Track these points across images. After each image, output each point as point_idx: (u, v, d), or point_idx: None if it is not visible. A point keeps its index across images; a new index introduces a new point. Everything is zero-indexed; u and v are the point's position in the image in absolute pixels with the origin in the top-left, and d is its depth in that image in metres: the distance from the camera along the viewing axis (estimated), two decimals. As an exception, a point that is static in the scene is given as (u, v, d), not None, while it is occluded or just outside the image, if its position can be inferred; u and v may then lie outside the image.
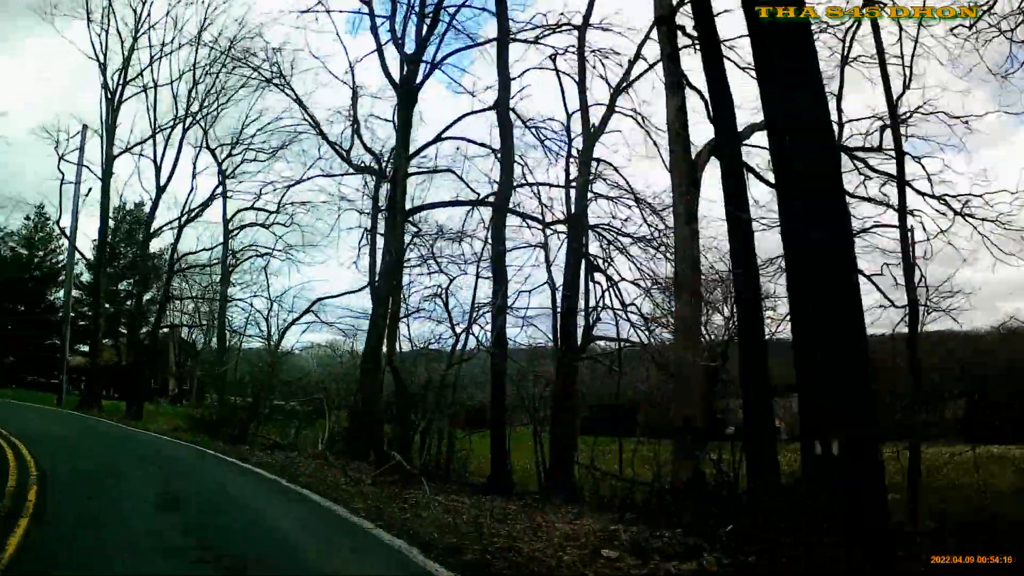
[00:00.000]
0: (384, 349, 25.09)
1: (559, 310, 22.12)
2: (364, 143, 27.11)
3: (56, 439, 20.81)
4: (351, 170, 28.14)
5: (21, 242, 70.64)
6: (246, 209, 40.66)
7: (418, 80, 26.01)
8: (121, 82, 41.39)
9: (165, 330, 62.74)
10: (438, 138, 27.41)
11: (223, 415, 29.04)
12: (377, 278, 26.65)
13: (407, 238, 26.55)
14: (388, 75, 25.97)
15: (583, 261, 22.63)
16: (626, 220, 23.38)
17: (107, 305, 66.23)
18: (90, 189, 41.49)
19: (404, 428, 21.12)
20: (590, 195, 23.04)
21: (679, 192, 18.01)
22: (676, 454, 16.81)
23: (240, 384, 31.77)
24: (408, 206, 26.66)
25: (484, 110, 26.46)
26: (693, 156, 18.42)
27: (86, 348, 61.21)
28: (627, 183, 23.73)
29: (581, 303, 22.34)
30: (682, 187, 17.85)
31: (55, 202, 41.14)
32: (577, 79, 24.21)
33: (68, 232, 40.52)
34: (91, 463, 17.15)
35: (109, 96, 41.02)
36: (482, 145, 26.61)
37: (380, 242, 27.33)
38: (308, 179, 30.63)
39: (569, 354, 21.29)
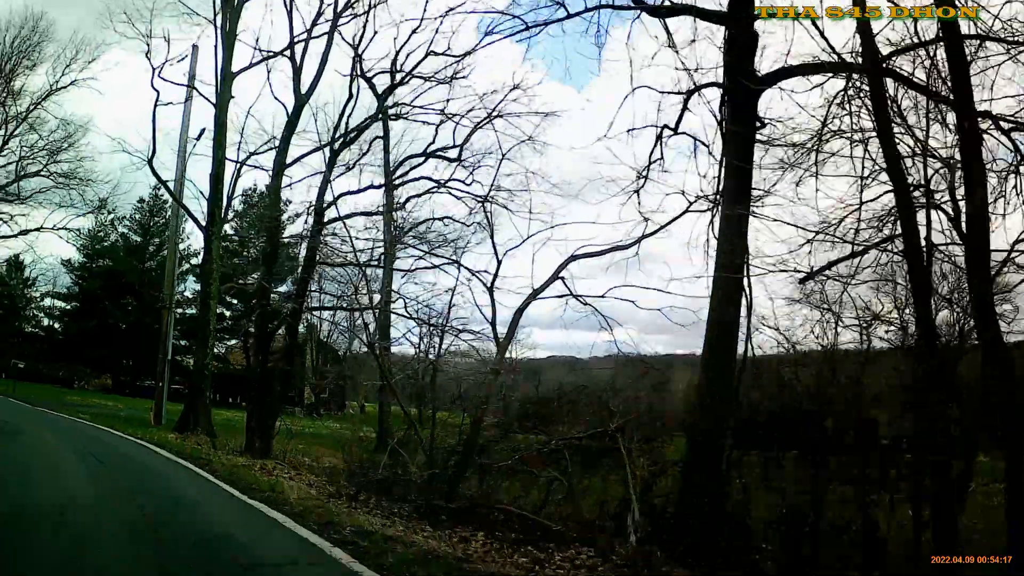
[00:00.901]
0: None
1: None
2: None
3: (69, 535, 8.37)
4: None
5: (135, 228, 61.24)
6: (423, 155, 28.23)
7: None
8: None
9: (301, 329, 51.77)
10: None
11: (403, 454, 16.52)
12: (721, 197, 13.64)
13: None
14: None
15: None
16: None
17: (231, 299, 55.88)
18: (202, 130, 29.87)
19: None
20: None
21: None
22: None
23: (420, 397, 19.29)
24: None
25: None
26: None
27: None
28: None
29: None
30: None
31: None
32: None
33: (172, 183, 28.52)
34: None
35: (228, -5, 29.38)
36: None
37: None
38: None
39: None
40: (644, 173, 18.33)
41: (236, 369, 59.23)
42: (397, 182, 30.16)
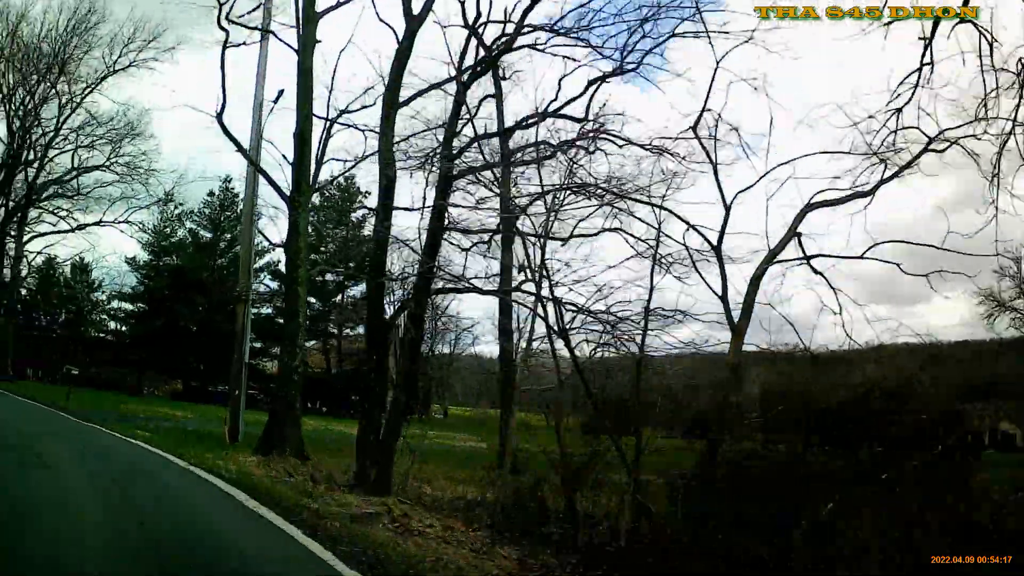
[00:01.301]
0: None
1: None
2: None
3: None
4: None
5: (203, 223, 57.07)
6: (542, 115, 22.81)
7: None
8: None
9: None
10: None
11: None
12: None
13: None
14: None
15: None
16: None
17: (311, 299, 51.20)
18: (280, 92, 24.72)
19: None
20: None
21: None
22: None
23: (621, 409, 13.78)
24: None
25: None
26: None
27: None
28: None
29: None
30: None
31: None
32: None
33: (248, 145, 23.29)
34: None
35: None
36: None
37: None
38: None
39: None
40: (909, 86, 12.87)
41: (315, 372, 54.76)
42: (512, 146, 24.98)
